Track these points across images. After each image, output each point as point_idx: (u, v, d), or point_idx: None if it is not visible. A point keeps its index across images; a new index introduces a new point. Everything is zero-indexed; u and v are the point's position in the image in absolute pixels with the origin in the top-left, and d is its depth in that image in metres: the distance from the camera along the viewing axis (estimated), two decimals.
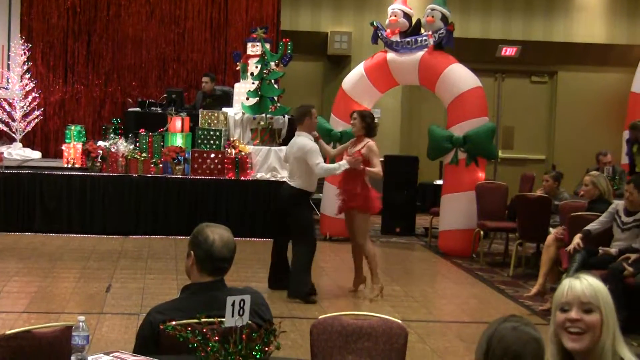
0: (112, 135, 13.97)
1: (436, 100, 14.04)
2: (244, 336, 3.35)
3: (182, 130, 13.70)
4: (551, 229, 10.28)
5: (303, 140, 9.09)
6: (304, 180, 9.09)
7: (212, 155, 13.30)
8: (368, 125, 9.20)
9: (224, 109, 14.25)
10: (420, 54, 12.76)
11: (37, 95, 14.96)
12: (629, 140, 15.14)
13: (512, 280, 10.90)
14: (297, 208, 9.10)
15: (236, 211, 13.05)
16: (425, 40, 12.73)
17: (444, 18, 12.75)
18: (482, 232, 12.21)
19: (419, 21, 13.05)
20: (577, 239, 8.81)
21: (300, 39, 16.28)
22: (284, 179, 12.22)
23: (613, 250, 8.66)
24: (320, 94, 17.90)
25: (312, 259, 9.25)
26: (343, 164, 9.06)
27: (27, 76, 14.89)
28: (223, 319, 3.42)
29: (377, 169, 9.02)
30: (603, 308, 3.07)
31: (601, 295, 3.09)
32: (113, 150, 13.25)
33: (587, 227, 8.90)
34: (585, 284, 3.09)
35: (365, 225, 9.29)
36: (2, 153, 13.83)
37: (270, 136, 13.77)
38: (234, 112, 14.22)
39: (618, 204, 8.92)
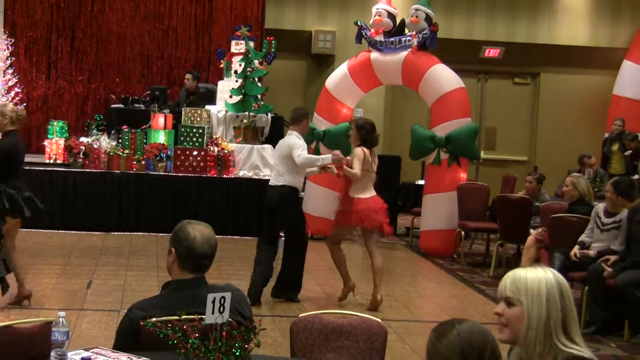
0: (94, 131, 13.93)
1: (419, 101, 14.07)
2: (224, 333, 3.35)
3: (164, 127, 13.68)
4: (532, 230, 10.33)
5: (293, 138, 9.11)
6: (292, 177, 9.07)
7: (195, 153, 13.30)
8: (363, 137, 9.11)
9: (207, 107, 14.25)
10: (404, 54, 12.78)
11: (20, 90, 14.92)
12: (606, 139, 15.25)
13: (493, 281, 10.93)
14: (288, 208, 9.08)
15: (218, 209, 13.05)
16: (409, 40, 12.76)
17: (428, 18, 12.78)
18: (463, 233, 12.24)
19: (403, 21, 13.08)
20: (575, 250, 8.79)
21: (284, 37, 16.29)
22: (266, 177, 12.23)
23: (592, 252, 8.70)
24: (304, 93, 17.91)
25: (304, 260, 9.24)
26: (326, 158, 9.05)
27: (10, 71, 14.85)
28: (203, 316, 3.43)
29: (355, 170, 8.94)
30: (525, 300, 3.09)
31: (524, 288, 3.10)
32: (95, 146, 13.22)
33: (581, 239, 8.88)
34: (510, 278, 3.13)
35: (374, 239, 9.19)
36: None
37: (253, 134, 13.77)
38: (217, 109, 14.22)
39: (598, 206, 8.95)
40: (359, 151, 8.95)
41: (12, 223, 8.20)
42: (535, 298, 3.09)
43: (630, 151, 14.65)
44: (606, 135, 15.97)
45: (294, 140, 9.03)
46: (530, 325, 3.09)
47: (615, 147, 14.96)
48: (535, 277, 3.12)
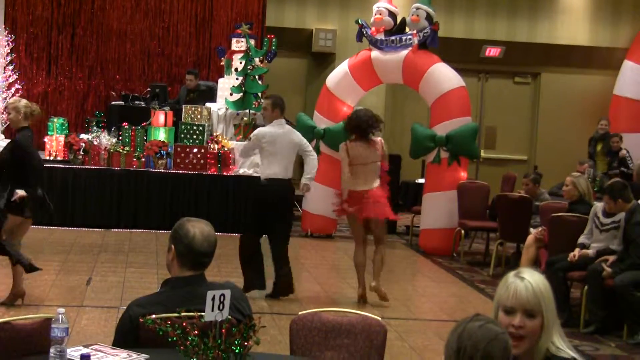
0: (94, 128, 13.93)
1: (419, 99, 14.07)
2: (223, 331, 3.35)
3: (165, 125, 13.68)
4: (531, 229, 10.32)
5: (297, 133, 9.31)
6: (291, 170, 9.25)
7: (195, 150, 13.29)
8: None
9: (208, 104, 14.24)
10: (404, 52, 12.78)
11: (20, 87, 14.90)
12: (591, 139, 15.15)
13: (492, 280, 10.93)
14: (291, 205, 9.35)
15: (218, 206, 13.04)
16: (410, 39, 12.76)
17: (428, 17, 12.78)
18: (463, 232, 12.25)
19: (403, 20, 13.08)
20: (575, 252, 8.76)
21: (285, 35, 16.28)
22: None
23: (590, 251, 8.69)
24: (304, 91, 17.90)
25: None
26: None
27: (10, 68, 14.83)
28: (203, 314, 3.43)
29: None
30: (545, 311, 3.13)
31: (543, 297, 3.13)
32: (95, 143, 13.21)
33: (580, 241, 8.85)
34: (529, 290, 3.13)
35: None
36: None
37: (253, 132, 13.74)
38: (218, 107, 14.22)
39: (597, 206, 8.93)
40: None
41: (14, 221, 8.17)
42: (550, 306, 3.15)
43: (616, 172, 14.42)
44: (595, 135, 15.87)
45: (300, 136, 9.22)
46: (547, 335, 3.14)
47: (599, 147, 14.83)
48: (544, 282, 3.16)
